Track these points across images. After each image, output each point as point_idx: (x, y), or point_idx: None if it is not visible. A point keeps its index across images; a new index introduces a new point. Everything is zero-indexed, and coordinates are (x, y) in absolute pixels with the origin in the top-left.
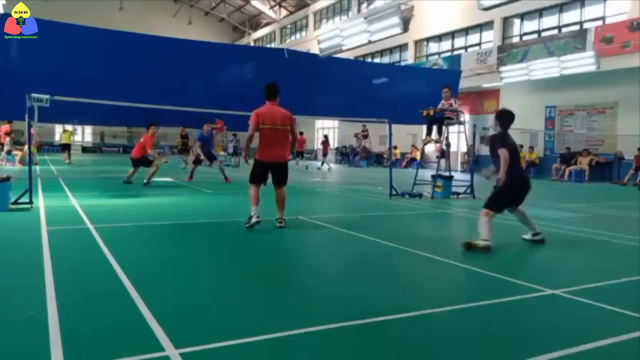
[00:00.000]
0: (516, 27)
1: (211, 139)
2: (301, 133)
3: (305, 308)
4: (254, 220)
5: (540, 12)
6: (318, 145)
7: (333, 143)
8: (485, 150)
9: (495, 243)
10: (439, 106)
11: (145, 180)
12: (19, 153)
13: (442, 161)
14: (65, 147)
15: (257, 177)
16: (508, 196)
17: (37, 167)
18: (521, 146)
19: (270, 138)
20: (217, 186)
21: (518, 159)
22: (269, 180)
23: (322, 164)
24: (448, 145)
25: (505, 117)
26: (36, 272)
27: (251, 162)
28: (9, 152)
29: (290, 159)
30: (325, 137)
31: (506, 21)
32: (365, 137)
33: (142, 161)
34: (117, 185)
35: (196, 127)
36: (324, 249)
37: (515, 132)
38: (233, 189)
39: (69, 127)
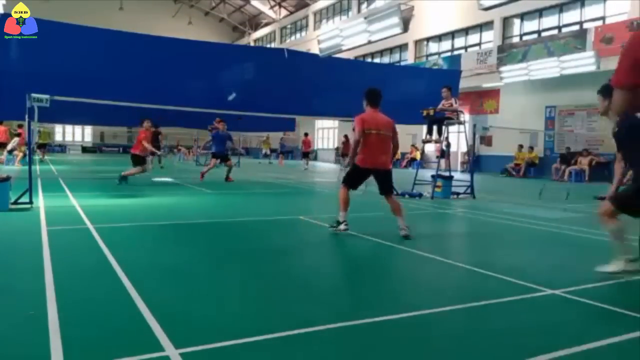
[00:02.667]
0: (516, 27)
1: (225, 138)
2: (306, 134)
3: (305, 308)
4: (342, 227)
5: (540, 12)
6: (318, 145)
7: (333, 143)
8: (484, 150)
9: (495, 243)
10: (439, 106)
11: (122, 174)
12: (19, 154)
13: (442, 161)
14: (42, 146)
15: (353, 182)
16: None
17: (37, 167)
18: (521, 146)
19: (374, 144)
20: (218, 186)
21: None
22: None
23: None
24: (448, 145)
25: None
26: (36, 272)
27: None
28: (10, 152)
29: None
30: (346, 137)
31: (506, 21)
32: None
33: (138, 159)
34: (117, 185)
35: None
36: (324, 249)
37: (515, 132)
38: (234, 189)
39: (47, 127)
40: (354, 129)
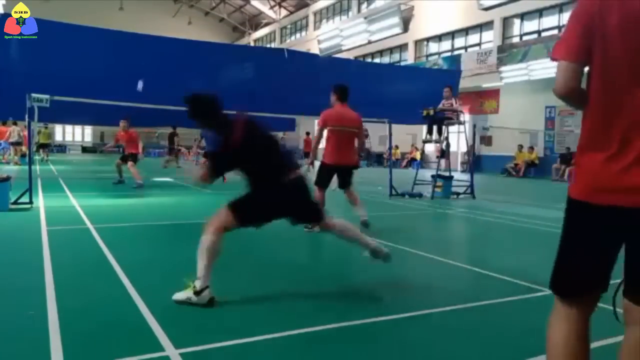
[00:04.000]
0: (516, 27)
1: None
2: (307, 133)
3: (305, 308)
4: (317, 229)
5: (540, 12)
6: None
7: None
8: (485, 150)
9: (495, 243)
10: (440, 106)
11: (137, 183)
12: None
13: (442, 161)
14: (44, 146)
15: (324, 181)
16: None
17: (37, 167)
18: (521, 146)
19: (339, 141)
20: (218, 186)
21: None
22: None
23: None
24: (448, 145)
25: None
26: (36, 272)
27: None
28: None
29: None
30: None
31: (506, 21)
32: (366, 137)
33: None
34: (117, 185)
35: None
36: (323, 249)
37: (515, 132)
38: (234, 189)
39: (45, 127)
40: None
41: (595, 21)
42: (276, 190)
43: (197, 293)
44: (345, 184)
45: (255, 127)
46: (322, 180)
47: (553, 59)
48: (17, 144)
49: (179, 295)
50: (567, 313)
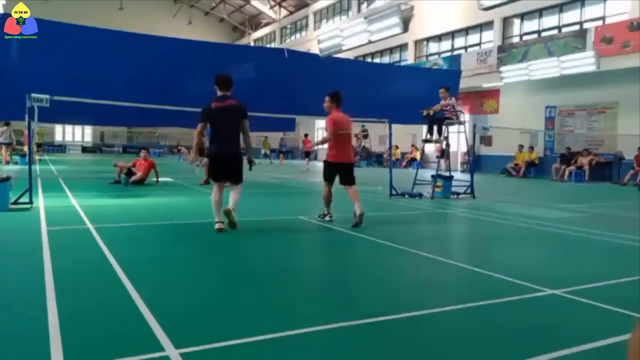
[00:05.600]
0: (516, 27)
1: None
2: (306, 135)
3: (305, 308)
4: (327, 218)
5: (540, 12)
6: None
7: None
8: (485, 150)
9: (495, 243)
10: (437, 106)
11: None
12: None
13: (442, 161)
14: (38, 145)
15: (329, 176)
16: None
17: (37, 167)
18: (521, 146)
19: (344, 142)
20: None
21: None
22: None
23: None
24: (447, 145)
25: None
26: (36, 272)
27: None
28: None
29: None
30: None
31: (506, 21)
32: (365, 137)
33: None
34: (117, 185)
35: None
36: (324, 249)
37: (515, 132)
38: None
39: (43, 127)
40: (326, 129)
41: None
42: None
43: None
44: (348, 180)
45: None
46: (328, 176)
47: None
48: (7, 144)
49: None
50: None
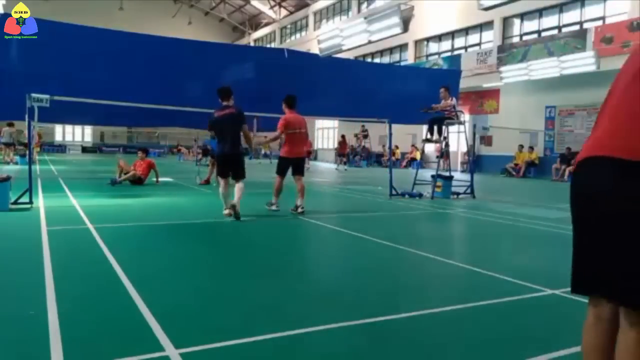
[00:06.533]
0: (516, 27)
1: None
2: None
3: (305, 308)
4: (274, 208)
5: (540, 12)
6: (318, 145)
7: (333, 143)
8: (485, 150)
9: (495, 243)
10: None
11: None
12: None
13: (442, 161)
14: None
15: (282, 170)
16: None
17: (37, 167)
18: (521, 146)
19: (296, 140)
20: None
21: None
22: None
23: (345, 164)
24: (446, 145)
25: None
26: (36, 272)
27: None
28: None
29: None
30: (343, 137)
31: (506, 21)
32: (365, 137)
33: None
34: (117, 185)
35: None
36: (324, 249)
37: (515, 132)
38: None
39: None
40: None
41: None
42: None
43: None
44: (299, 172)
45: None
46: (281, 170)
47: None
48: (10, 144)
49: None
50: None
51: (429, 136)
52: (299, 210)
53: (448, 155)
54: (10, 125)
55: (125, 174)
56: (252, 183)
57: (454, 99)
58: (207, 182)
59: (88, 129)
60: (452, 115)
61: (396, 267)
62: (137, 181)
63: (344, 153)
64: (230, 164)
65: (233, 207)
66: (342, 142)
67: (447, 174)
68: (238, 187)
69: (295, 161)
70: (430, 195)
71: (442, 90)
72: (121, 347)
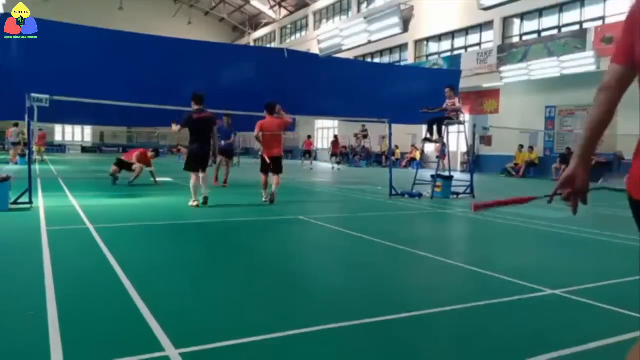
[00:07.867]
0: (516, 27)
1: (229, 134)
2: (309, 137)
3: (305, 308)
4: (264, 199)
5: (540, 12)
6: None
7: None
8: (484, 150)
9: (495, 243)
10: (444, 106)
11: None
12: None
13: (441, 161)
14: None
15: (264, 168)
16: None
17: (37, 167)
18: (521, 146)
19: (270, 141)
20: (216, 187)
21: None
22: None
23: (338, 163)
24: (444, 144)
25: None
26: (36, 272)
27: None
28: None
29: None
30: (335, 137)
31: (506, 21)
32: (365, 137)
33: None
34: (117, 185)
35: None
36: (323, 249)
37: (515, 132)
38: (234, 189)
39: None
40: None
41: (636, 24)
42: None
43: None
44: (275, 170)
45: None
46: (263, 168)
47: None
48: (17, 144)
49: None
50: None
51: (428, 136)
52: (269, 198)
53: (446, 155)
54: (16, 125)
55: (119, 164)
56: (249, 183)
57: (459, 99)
58: (225, 183)
59: (88, 129)
60: (452, 115)
61: (396, 267)
62: (126, 166)
63: (337, 153)
64: (202, 161)
65: (205, 200)
66: (335, 141)
67: (447, 173)
68: (205, 179)
69: (272, 160)
70: (430, 195)
71: (447, 90)
72: (121, 347)
